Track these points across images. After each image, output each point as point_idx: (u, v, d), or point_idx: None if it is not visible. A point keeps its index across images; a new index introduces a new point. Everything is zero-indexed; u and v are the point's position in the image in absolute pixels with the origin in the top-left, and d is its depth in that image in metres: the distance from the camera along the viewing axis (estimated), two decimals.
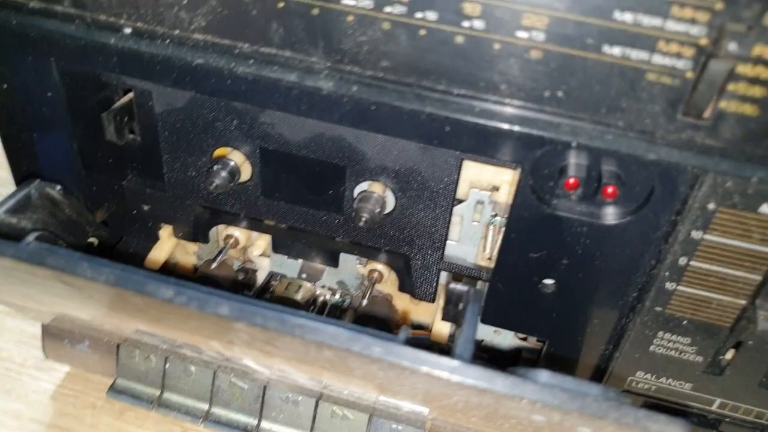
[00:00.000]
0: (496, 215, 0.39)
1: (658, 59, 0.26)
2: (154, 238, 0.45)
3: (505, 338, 0.45)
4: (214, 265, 0.44)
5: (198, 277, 0.46)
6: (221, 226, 0.45)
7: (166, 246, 0.45)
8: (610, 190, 0.31)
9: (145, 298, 0.25)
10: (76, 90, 0.37)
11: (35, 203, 0.34)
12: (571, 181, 0.31)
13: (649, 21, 0.26)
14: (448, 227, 0.38)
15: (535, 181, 0.32)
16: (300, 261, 0.47)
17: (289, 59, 0.31)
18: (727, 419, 0.38)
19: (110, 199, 0.42)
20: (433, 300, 0.42)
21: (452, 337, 0.42)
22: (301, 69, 0.31)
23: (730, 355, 0.35)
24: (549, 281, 0.35)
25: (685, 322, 0.34)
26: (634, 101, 0.28)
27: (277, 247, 0.45)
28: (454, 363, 0.24)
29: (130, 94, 0.39)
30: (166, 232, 0.45)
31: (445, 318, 0.40)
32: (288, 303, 0.46)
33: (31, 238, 0.28)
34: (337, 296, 0.48)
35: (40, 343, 0.47)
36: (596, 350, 0.37)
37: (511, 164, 0.32)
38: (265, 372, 0.32)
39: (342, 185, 0.38)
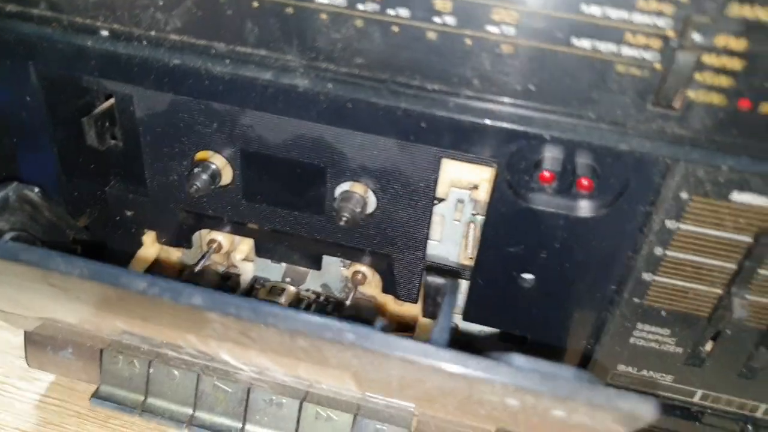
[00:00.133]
0: (476, 214, 0.39)
1: (626, 51, 0.27)
2: (138, 244, 0.45)
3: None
4: (197, 269, 0.44)
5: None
6: (204, 231, 0.45)
7: (150, 252, 0.45)
8: (584, 182, 0.31)
9: (120, 290, 0.25)
10: (56, 95, 0.37)
11: (13, 205, 0.35)
12: (546, 174, 0.31)
13: (616, 13, 0.26)
14: (429, 226, 0.38)
15: (512, 176, 0.32)
16: (283, 265, 0.47)
17: (264, 58, 0.31)
18: (710, 411, 0.38)
19: (92, 204, 0.42)
20: (416, 300, 0.42)
21: None
22: (276, 67, 0.31)
23: (709, 345, 0.35)
24: (528, 276, 0.35)
25: (663, 313, 0.34)
26: (604, 93, 0.28)
27: (260, 250, 0.45)
28: (426, 346, 0.24)
29: (111, 100, 0.40)
30: (149, 237, 0.45)
31: (425, 314, 0.40)
32: None
33: (7, 237, 0.28)
34: (321, 299, 0.48)
35: (23, 353, 0.47)
36: (578, 344, 0.37)
37: (487, 159, 0.32)
38: (244, 368, 0.32)
39: (323, 186, 0.38)
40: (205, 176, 0.38)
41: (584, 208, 0.32)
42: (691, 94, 0.27)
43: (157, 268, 0.47)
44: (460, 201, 0.39)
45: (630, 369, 0.37)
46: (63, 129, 0.38)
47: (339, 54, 0.30)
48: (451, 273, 0.40)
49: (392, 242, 0.40)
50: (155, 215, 0.43)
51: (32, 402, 0.46)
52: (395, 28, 0.28)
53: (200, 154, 0.39)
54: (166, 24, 0.31)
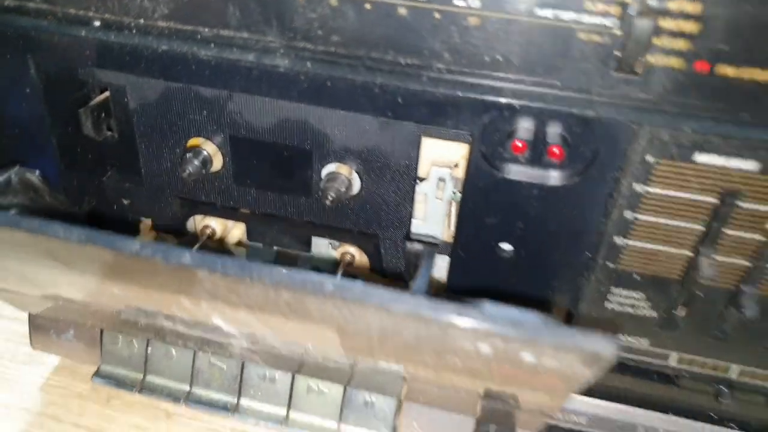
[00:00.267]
0: (457, 192, 0.40)
1: (587, 19, 0.28)
2: (135, 232, 0.47)
3: None
4: None
5: None
6: (198, 218, 0.47)
7: (146, 239, 0.47)
8: (555, 150, 0.32)
9: (115, 253, 0.26)
10: (54, 87, 0.39)
11: (15, 187, 0.36)
12: (518, 144, 0.33)
13: None
14: (412, 205, 0.40)
15: (486, 147, 0.33)
16: (275, 249, 0.49)
17: (247, 40, 0.33)
18: (686, 374, 0.39)
19: (90, 194, 0.44)
20: (403, 278, 0.44)
21: None
22: (258, 49, 0.33)
23: (682, 307, 0.36)
24: (506, 246, 0.37)
25: (636, 276, 0.35)
26: (569, 61, 0.30)
27: (252, 234, 0.47)
28: (401, 294, 0.25)
29: (107, 93, 0.41)
30: (145, 225, 0.46)
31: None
32: None
33: (11, 211, 0.29)
34: None
35: (27, 340, 0.48)
36: (557, 311, 0.39)
37: (462, 132, 0.34)
38: (235, 334, 0.34)
39: (309, 168, 0.40)
40: (196, 162, 0.40)
41: (556, 176, 0.33)
42: (651, 58, 0.29)
43: None
44: (441, 179, 0.40)
45: (608, 334, 0.38)
46: (61, 120, 0.40)
47: (316, 33, 0.31)
48: (437, 251, 0.42)
49: (378, 221, 0.41)
50: (150, 203, 0.44)
51: (36, 384, 0.48)
52: (368, 6, 0.30)
53: (192, 141, 0.41)
54: (154, 11, 0.33)
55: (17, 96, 0.38)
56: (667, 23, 0.28)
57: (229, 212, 0.44)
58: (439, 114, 0.33)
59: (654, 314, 0.37)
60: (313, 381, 0.43)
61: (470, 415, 0.43)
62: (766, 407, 0.39)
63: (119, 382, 0.45)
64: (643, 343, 0.38)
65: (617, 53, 0.29)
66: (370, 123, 0.36)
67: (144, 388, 0.45)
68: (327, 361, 0.37)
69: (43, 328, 0.47)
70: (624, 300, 0.37)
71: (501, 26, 0.29)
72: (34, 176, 0.38)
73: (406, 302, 0.25)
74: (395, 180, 0.39)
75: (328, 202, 0.38)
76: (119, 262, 0.28)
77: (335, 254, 0.47)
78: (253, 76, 0.34)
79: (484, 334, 0.25)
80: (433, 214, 0.42)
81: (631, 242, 0.34)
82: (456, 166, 0.39)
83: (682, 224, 0.33)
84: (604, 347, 0.24)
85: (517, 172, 0.34)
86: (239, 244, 0.48)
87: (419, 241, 0.41)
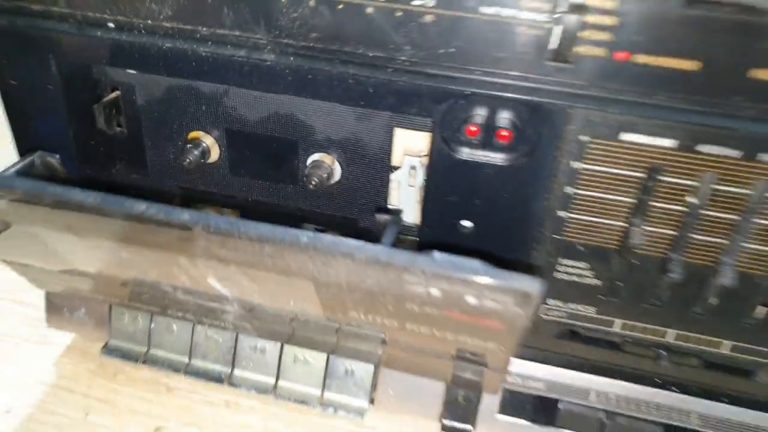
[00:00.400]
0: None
1: (523, 15, 0.34)
2: None
3: None
4: None
5: None
6: (198, 206, 0.52)
7: None
8: (504, 133, 0.38)
9: (124, 212, 0.32)
10: (72, 85, 0.44)
11: (38, 169, 0.42)
12: (472, 128, 0.38)
13: None
14: (387, 190, 0.45)
15: (445, 132, 0.39)
16: None
17: (239, 38, 0.38)
18: (629, 339, 0.44)
19: (101, 187, 0.49)
20: None
21: None
22: (249, 46, 0.38)
23: (621, 276, 0.41)
24: (467, 223, 0.42)
25: (580, 247, 0.40)
26: (510, 52, 0.35)
27: None
28: (365, 244, 0.30)
29: (118, 92, 0.47)
30: None
31: None
32: None
33: None
34: None
35: (42, 324, 0.54)
36: None
37: (426, 119, 0.39)
38: (228, 296, 0.39)
39: (296, 158, 0.45)
40: (196, 152, 0.45)
41: (505, 156, 0.38)
42: (579, 49, 0.34)
43: None
44: (413, 167, 0.45)
45: (558, 302, 0.43)
46: (77, 115, 0.45)
47: (297, 30, 0.37)
48: (409, 233, 0.47)
49: (357, 207, 0.46)
50: (155, 193, 0.50)
51: (50, 361, 0.53)
52: (340, 6, 0.35)
53: (192, 134, 0.46)
54: (160, 13, 0.38)
55: (40, 92, 0.44)
56: (590, 18, 0.33)
57: (225, 200, 0.49)
58: (405, 102, 0.38)
59: (598, 283, 0.42)
60: (299, 351, 0.48)
61: (442, 380, 0.48)
62: (700, 369, 0.44)
63: (125, 355, 0.50)
64: (590, 310, 0.43)
65: (551, 45, 0.34)
66: (348, 114, 0.42)
67: (147, 360, 0.50)
68: (313, 330, 0.42)
69: (57, 307, 0.52)
70: (571, 270, 0.41)
71: (452, 23, 0.35)
72: (54, 159, 0.43)
73: (368, 250, 0.30)
74: (372, 168, 0.44)
75: (311, 187, 0.43)
76: (128, 224, 0.33)
77: None
78: (245, 71, 0.39)
79: (432, 277, 0.30)
80: (407, 200, 0.46)
81: (572, 215, 0.39)
82: (426, 155, 0.44)
83: (615, 197, 0.38)
84: (531, 285, 0.29)
85: (471, 153, 0.39)
86: None
87: (386, 210, 0.45)
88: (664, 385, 0.45)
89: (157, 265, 0.38)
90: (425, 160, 0.44)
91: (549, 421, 0.48)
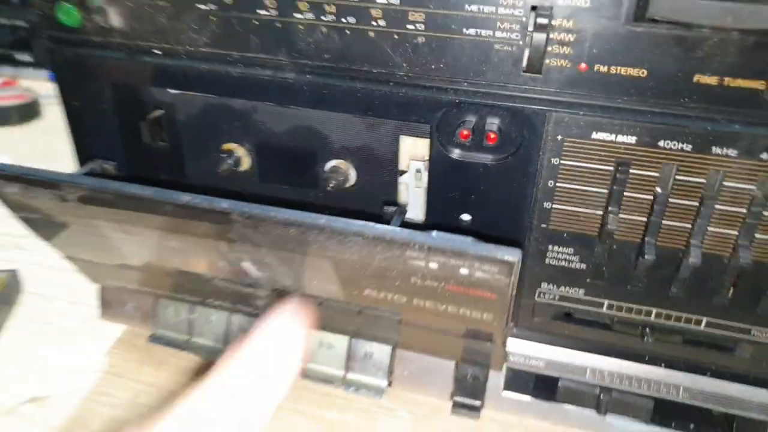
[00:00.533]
0: None
1: (499, 34, 0.40)
2: None
3: None
4: None
5: None
6: None
7: None
8: (491, 136, 0.43)
9: (173, 203, 0.38)
10: (123, 104, 0.51)
11: (97, 175, 0.49)
12: (464, 132, 0.44)
13: (488, 9, 0.39)
14: (397, 192, 0.51)
15: (441, 136, 0.45)
16: None
17: (264, 60, 0.45)
18: (616, 319, 0.49)
19: None
20: None
21: None
22: (272, 66, 0.45)
23: (604, 260, 0.46)
24: (466, 216, 0.48)
25: (565, 235, 0.46)
26: (491, 66, 0.41)
27: None
28: (372, 224, 0.36)
29: (161, 110, 0.54)
30: None
31: None
32: None
33: None
34: None
35: (95, 320, 0.61)
36: None
37: (425, 125, 0.45)
38: (261, 276, 0.45)
39: (316, 165, 0.51)
40: (229, 161, 0.52)
41: (493, 156, 0.44)
42: (548, 61, 0.40)
43: None
44: (419, 171, 0.51)
45: (551, 287, 0.48)
46: (128, 130, 0.53)
47: (313, 52, 0.43)
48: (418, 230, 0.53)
49: (371, 208, 0.52)
50: None
51: (102, 352, 0.60)
52: (348, 31, 0.42)
53: (226, 146, 0.53)
54: (198, 41, 0.45)
55: (97, 110, 0.51)
56: (555, 36, 0.39)
57: (254, 202, 0.56)
58: (406, 111, 0.44)
59: (584, 267, 0.47)
60: (324, 336, 0.54)
61: (452, 359, 0.53)
62: (682, 345, 0.48)
63: (169, 342, 0.57)
64: (579, 293, 0.48)
65: (524, 59, 0.40)
66: (359, 124, 0.48)
67: (189, 347, 0.56)
68: (337, 313, 0.48)
69: (109, 302, 0.60)
70: (559, 256, 0.47)
71: (441, 42, 0.41)
72: (110, 166, 0.51)
73: (376, 229, 0.36)
74: (382, 172, 0.50)
75: (329, 188, 0.50)
76: (175, 213, 0.40)
77: None
78: (270, 88, 0.46)
79: (430, 251, 0.36)
80: (414, 200, 0.52)
81: (556, 206, 0.45)
82: (428, 159, 0.50)
83: (592, 189, 0.43)
84: (512, 254, 0.35)
85: (464, 155, 0.45)
86: None
87: (392, 203, 0.51)
88: (652, 362, 0.50)
89: (200, 251, 0.45)
90: (428, 164, 0.50)
91: (550, 397, 0.53)
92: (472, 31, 0.40)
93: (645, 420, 0.51)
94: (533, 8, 0.38)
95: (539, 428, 0.54)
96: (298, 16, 0.42)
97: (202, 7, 0.44)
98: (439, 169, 0.46)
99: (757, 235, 0.42)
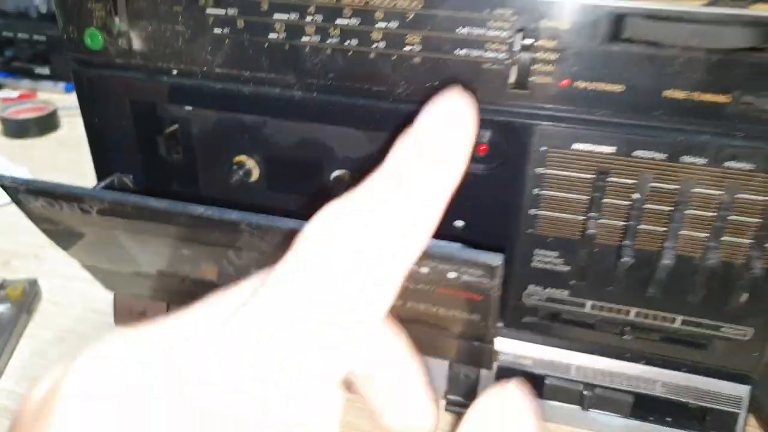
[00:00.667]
0: None
1: (488, 55, 0.44)
2: None
3: None
4: None
5: None
6: None
7: None
8: (482, 147, 0.47)
9: (187, 214, 0.42)
10: (141, 120, 0.55)
11: (116, 188, 0.53)
12: None
13: (477, 32, 0.43)
14: None
15: None
16: None
17: (274, 79, 0.49)
18: (599, 318, 0.52)
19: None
20: None
21: None
22: (281, 85, 0.49)
23: (586, 262, 0.50)
24: (459, 222, 0.51)
25: (550, 239, 0.49)
26: (481, 83, 0.45)
27: None
28: None
29: (176, 125, 0.58)
30: None
31: None
32: None
33: None
34: None
35: (111, 326, 0.65)
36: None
37: None
38: None
39: (321, 175, 0.55)
40: (240, 173, 0.56)
41: (484, 166, 0.48)
42: (533, 78, 0.44)
43: None
44: None
45: (538, 288, 0.52)
46: (145, 144, 0.57)
47: (318, 72, 0.47)
48: None
49: None
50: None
51: None
52: (350, 52, 0.46)
53: (237, 159, 0.57)
54: (212, 62, 0.50)
55: (116, 126, 0.55)
56: (539, 55, 0.43)
57: (264, 211, 0.60)
58: (405, 125, 0.48)
59: (567, 269, 0.51)
60: None
61: (447, 359, 0.57)
62: (660, 343, 0.52)
63: None
64: (564, 294, 0.52)
65: (511, 76, 0.44)
66: (361, 137, 0.52)
67: None
68: None
69: (123, 310, 0.63)
70: (544, 259, 0.51)
71: (434, 62, 0.45)
72: (128, 179, 0.54)
73: None
74: None
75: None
76: (189, 223, 0.43)
77: None
78: (279, 104, 0.50)
79: (422, 256, 0.39)
80: None
81: (541, 212, 0.49)
82: None
83: (573, 196, 0.47)
84: (495, 259, 0.38)
85: None
86: None
87: None
88: (632, 359, 0.54)
89: (211, 259, 0.48)
90: None
91: (537, 394, 0.57)
92: (463, 52, 0.44)
93: (626, 414, 0.55)
94: (519, 30, 0.42)
95: None
96: (305, 39, 0.46)
97: (217, 31, 0.48)
98: None
99: (725, 238, 0.46)
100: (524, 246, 0.50)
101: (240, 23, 0.47)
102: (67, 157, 1.04)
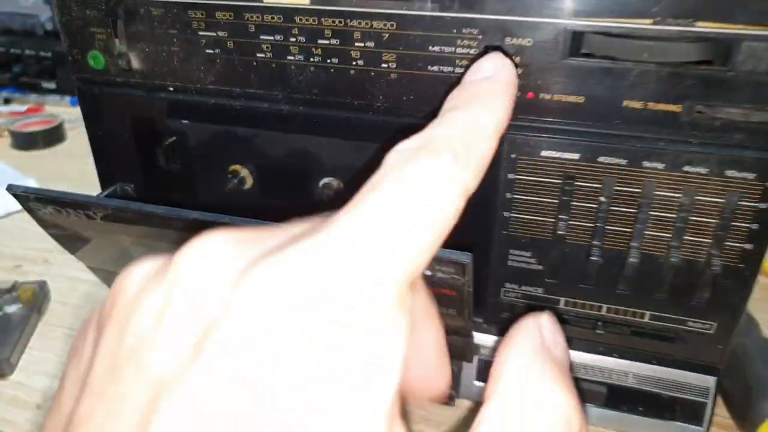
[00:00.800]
0: None
1: (459, 70, 0.47)
2: None
3: None
4: None
5: None
6: None
7: None
8: None
9: (183, 219, 0.46)
10: (141, 133, 0.59)
11: (119, 196, 0.56)
12: None
13: (448, 50, 0.47)
14: None
15: None
16: None
17: (262, 94, 0.52)
18: (572, 314, 0.55)
19: None
20: None
21: None
22: (269, 99, 0.53)
23: (558, 261, 0.53)
24: None
25: (523, 240, 0.53)
26: None
27: None
28: None
29: (174, 138, 0.62)
30: None
31: None
32: None
33: None
34: None
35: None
36: (481, 271, 0.56)
37: None
38: None
39: (310, 182, 0.59)
40: (235, 181, 0.60)
41: None
42: None
43: None
44: None
45: (514, 286, 0.55)
46: (145, 156, 0.60)
47: (304, 87, 0.51)
48: None
49: None
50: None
51: None
52: (332, 69, 0.50)
53: (232, 168, 0.60)
54: (206, 79, 0.53)
55: (118, 139, 0.59)
56: None
57: (257, 216, 0.63)
58: (384, 135, 0.51)
59: (540, 268, 0.54)
60: None
61: None
62: (631, 336, 0.55)
63: None
64: (539, 291, 0.55)
65: None
66: (346, 147, 0.56)
67: None
68: None
69: None
70: (519, 259, 0.54)
71: (409, 78, 0.48)
72: (130, 188, 0.58)
73: None
74: None
75: (322, 202, 0.57)
76: (185, 228, 0.47)
77: None
78: (268, 117, 0.53)
79: None
80: None
81: (513, 215, 0.52)
82: None
83: (544, 199, 0.51)
84: (464, 257, 0.42)
85: None
86: None
87: None
88: (605, 352, 0.57)
89: None
90: None
91: None
92: (435, 68, 0.47)
93: (600, 404, 0.58)
94: (486, 48, 0.46)
95: None
96: (290, 57, 0.50)
97: (209, 51, 0.52)
98: None
99: (687, 237, 0.49)
100: (500, 246, 0.54)
101: (230, 44, 0.51)
102: (72, 168, 1.08)
